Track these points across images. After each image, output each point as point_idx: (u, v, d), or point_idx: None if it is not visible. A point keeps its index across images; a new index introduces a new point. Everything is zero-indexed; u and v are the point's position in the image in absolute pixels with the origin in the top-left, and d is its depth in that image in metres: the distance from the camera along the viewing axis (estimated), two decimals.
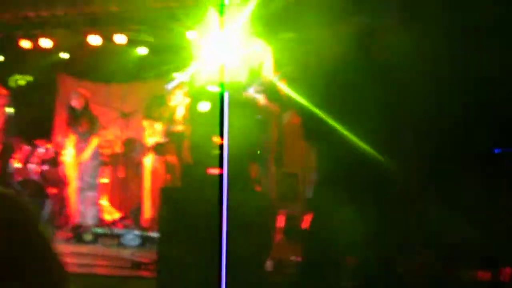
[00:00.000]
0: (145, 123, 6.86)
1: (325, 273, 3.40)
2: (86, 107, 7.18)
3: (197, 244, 3.69)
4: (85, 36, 8.97)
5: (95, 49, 9.02)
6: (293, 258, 4.99)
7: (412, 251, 3.68)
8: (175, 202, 3.73)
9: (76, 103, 7.15)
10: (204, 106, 3.80)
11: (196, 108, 3.78)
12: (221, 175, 3.69)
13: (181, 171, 3.91)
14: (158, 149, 6.70)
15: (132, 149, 8.55)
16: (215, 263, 3.57)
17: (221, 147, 3.82)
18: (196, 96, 3.87)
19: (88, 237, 5.97)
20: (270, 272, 4.40)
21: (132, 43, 8.87)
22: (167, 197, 3.84)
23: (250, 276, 3.85)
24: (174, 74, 6.18)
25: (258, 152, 4.77)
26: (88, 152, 7.07)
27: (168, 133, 6.59)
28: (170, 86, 5.93)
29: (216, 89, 4.36)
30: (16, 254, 1.82)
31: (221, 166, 3.65)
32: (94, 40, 8.88)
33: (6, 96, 6.70)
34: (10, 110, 6.63)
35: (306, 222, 5.56)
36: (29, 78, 6.84)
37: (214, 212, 3.64)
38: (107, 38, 8.94)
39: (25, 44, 9.14)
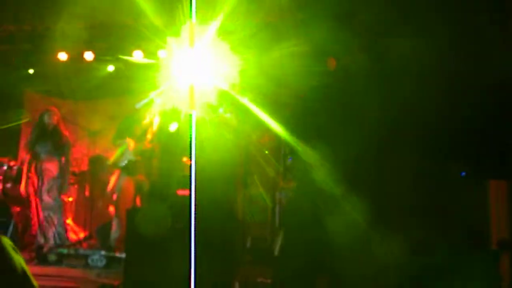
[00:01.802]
0: (115, 141, 6.77)
1: None
2: (57, 125, 7.07)
3: (164, 266, 3.63)
4: (53, 53, 8.87)
5: (62, 65, 8.93)
6: (260, 279, 4.96)
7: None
8: (142, 223, 3.68)
9: (48, 120, 7.02)
10: (174, 126, 3.76)
11: (166, 128, 3.74)
12: (190, 196, 3.66)
13: (150, 191, 3.85)
14: (127, 168, 6.61)
15: (99, 168, 8.43)
16: (183, 285, 3.53)
17: (190, 167, 3.79)
18: (166, 116, 3.83)
19: (52, 257, 5.84)
20: None
21: (101, 60, 8.80)
22: (133, 218, 3.78)
23: None
24: (144, 93, 6.13)
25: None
26: (58, 175, 6.94)
27: (138, 152, 6.51)
28: (139, 104, 5.87)
29: (185, 109, 4.33)
30: None
31: (190, 187, 3.62)
32: (62, 56, 8.78)
33: None
34: None
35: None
36: None
37: (182, 233, 3.60)
38: (75, 55, 8.85)
39: None
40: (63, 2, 7.10)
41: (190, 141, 3.82)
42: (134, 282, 3.73)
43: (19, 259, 1.93)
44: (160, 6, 6.90)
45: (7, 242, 1.92)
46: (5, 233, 4.47)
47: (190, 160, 3.99)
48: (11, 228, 4.49)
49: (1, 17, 7.38)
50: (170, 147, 3.79)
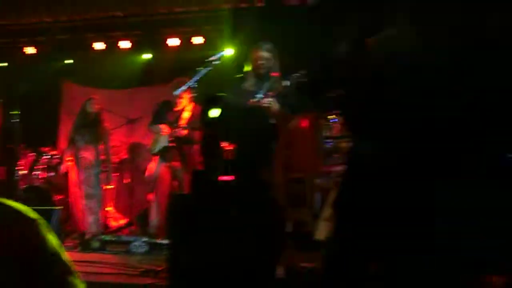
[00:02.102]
0: (152, 128, 6.80)
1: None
2: (98, 114, 7.13)
3: (207, 251, 3.63)
4: (90, 42, 8.97)
5: (99, 54, 9.02)
6: (304, 264, 4.93)
7: None
8: (184, 209, 3.68)
9: (90, 108, 7.09)
10: (214, 112, 3.74)
11: (206, 114, 3.72)
12: (231, 181, 3.65)
13: (191, 177, 3.85)
14: (162, 154, 6.63)
15: (137, 155, 8.51)
16: (227, 270, 3.52)
17: (231, 153, 3.78)
18: (205, 101, 3.81)
19: (95, 244, 5.91)
20: (282, 279, 4.33)
21: (137, 48, 8.86)
22: (176, 203, 3.79)
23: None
24: (181, 79, 6.12)
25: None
26: (97, 164, 7.03)
27: (175, 138, 6.52)
28: (177, 91, 5.85)
29: (224, 94, 4.30)
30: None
31: (232, 172, 3.61)
32: (99, 45, 8.88)
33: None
34: (15, 117, 6.59)
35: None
36: (34, 84, 6.78)
37: (224, 218, 3.60)
38: (112, 44, 8.94)
39: (30, 50, 9.14)
40: None
41: (231, 126, 3.81)
42: (177, 268, 3.72)
43: (52, 239, 1.93)
44: None
45: (41, 222, 1.92)
46: (49, 221, 4.54)
47: (232, 145, 3.98)
48: (56, 216, 4.56)
49: (39, 10, 7.45)
50: (211, 132, 3.76)
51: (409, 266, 2.88)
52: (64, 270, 1.96)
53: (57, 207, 5.04)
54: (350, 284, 3.10)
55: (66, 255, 1.96)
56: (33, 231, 1.87)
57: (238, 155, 3.78)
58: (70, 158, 7.21)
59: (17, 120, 6.53)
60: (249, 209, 3.60)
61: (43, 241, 1.88)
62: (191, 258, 3.66)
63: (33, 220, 1.89)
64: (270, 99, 5.11)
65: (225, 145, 4.05)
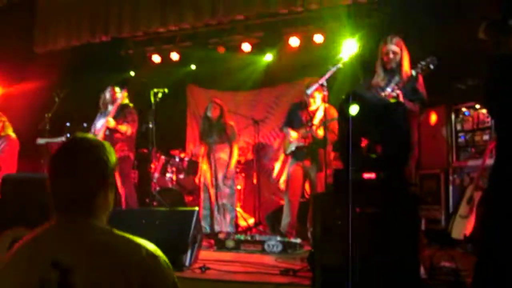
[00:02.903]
0: (285, 131, 6.85)
1: None
2: (221, 116, 7.31)
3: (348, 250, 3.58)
4: (212, 47, 9.23)
5: (221, 58, 9.25)
6: (443, 263, 4.75)
7: None
8: (328, 208, 3.66)
9: (211, 113, 7.30)
10: (353, 108, 3.68)
11: (346, 110, 3.67)
12: (375, 179, 3.58)
13: (333, 176, 3.82)
14: (294, 154, 6.66)
15: (263, 155, 8.63)
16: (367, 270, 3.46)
17: (376, 150, 3.71)
18: (344, 98, 3.77)
19: (230, 243, 6.03)
20: (425, 279, 4.19)
21: (258, 49, 8.99)
22: (320, 203, 3.78)
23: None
24: (312, 78, 6.13)
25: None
26: (233, 162, 7.19)
27: (312, 139, 6.54)
28: (310, 90, 5.86)
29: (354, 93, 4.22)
30: None
31: (376, 169, 3.54)
32: (220, 49, 9.10)
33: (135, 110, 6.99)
34: (150, 123, 6.90)
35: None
36: (165, 90, 7.05)
37: (370, 218, 3.54)
38: (233, 47, 9.14)
39: (156, 58, 9.56)
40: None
41: (371, 123, 3.74)
42: (322, 267, 3.71)
43: (171, 274, 1.97)
44: None
45: (162, 257, 1.95)
46: (190, 221, 4.70)
47: (372, 142, 3.91)
48: (196, 215, 4.70)
49: (166, 19, 7.76)
50: (348, 130, 3.71)
51: None
52: None
53: (195, 207, 5.18)
54: None
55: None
56: (156, 265, 1.91)
57: (380, 152, 3.70)
58: (200, 160, 7.45)
59: (151, 125, 6.83)
60: (394, 207, 3.52)
61: (164, 275, 1.91)
62: (333, 257, 3.63)
63: (155, 256, 1.93)
64: (398, 92, 5.01)
65: (365, 141, 3.99)
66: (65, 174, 1.95)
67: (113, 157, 2.02)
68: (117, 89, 6.96)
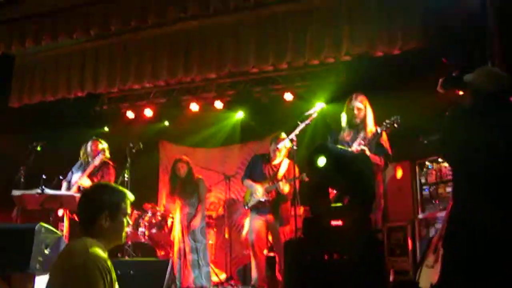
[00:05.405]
0: (245, 183, 7.00)
1: None
2: (189, 173, 7.43)
3: None
4: (185, 103, 9.44)
5: (194, 115, 9.46)
6: None
7: None
8: (298, 255, 3.80)
9: (179, 171, 7.42)
10: (321, 160, 3.90)
11: (314, 162, 3.89)
12: (342, 226, 3.76)
13: (303, 224, 3.98)
14: (258, 208, 6.78)
15: (234, 211, 8.75)
16: None
17: (343, 201, 3.90)
18: (312, 150, 3.99)
19: None
20: None
21: (229, 107, 9.23)
22: (291, 249, 3.92)
23: None
24: (278, 134, 6.38)
25: None
26: (198, 219, 7.25)
27: (276, 193, 6.70)
28: (280, 145, 6.08)
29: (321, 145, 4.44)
30: None
31: (343, 217, 3.73)
32: (194, 107, 9.32)
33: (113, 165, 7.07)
34: (125, 176, 6.99)
35: None
36: (140, 145, 7.20)
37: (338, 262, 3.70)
38: (206, 105, 9.36)
39: (130, 114, 9.73)
40: (194, 57, 7.62)
41: (338, 174, 3.94)
42: None
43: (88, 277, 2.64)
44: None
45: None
46: (164, 271, 4.78)
47: (338, 191, 4.11)
48: (170, 266, 4.79)
49: (140, 77, 7.95)
50: (319, 180, 3.91)
51: None
52: None
53: (168, 258, 5.27)
54: None
55: None
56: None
57: (347, 201, 3.90)
58: (172, 215, 7.52)
59: (127, 179, 6.92)
60: (360, 251, 3.68)
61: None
62: None
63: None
64: (364, 147, 5.26)
65: (332, 193, 4.19)
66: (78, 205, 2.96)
67: (112, 197, 2.90)
68: (100, 144, 7.03)
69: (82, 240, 2.79)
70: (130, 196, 2.98)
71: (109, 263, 2.73)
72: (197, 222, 7.22)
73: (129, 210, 2.96)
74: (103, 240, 2.83)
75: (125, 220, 2.92)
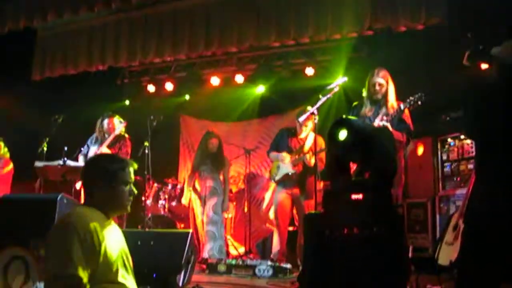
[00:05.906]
0: (272, 156, 6.99)
1: None
2: (220, 148, 7.46)
3: (340, 270, 3.72)
4: (206, 77, 9.44)
5: (214, 89, 9.45)
6: (430, 286, 4.89)
7: None
8: (317, 229, 3.80)
9: (212, 145, 7.43)
10: (342, 134, 3.88)
11: (335, 136, 3.87)
12: (363, 200, 3.74)
13: (323, 197, 3.97)
14: (285, 182, 6.78)
15: (254, 185, 8.77)
16: None
17: (364, 175, 3.87)
18: (333, 124, 3.96)
19: (222, 268, 6.15)
20: None
21: (250, 81, 9.20)
22: (310, 222, 3.92)
23: None
24: (304, 107, 6.35)
25: None
26: (221, 193, 7.33)
27: (303, 166, 6.69)
28: (302, 118, 6.05)
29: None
30: None
31: (363, 191, 3.70)
32: (215, 81, 9.31)
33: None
34: (145, 149, 7.01)
35: None
36: (161, 118, 7.21)
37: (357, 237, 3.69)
38: (226, 79, 9.35)
39: (151, 88, 9.76)
40: (215, 31, 7.59)
41: (359, 147, 3.91)
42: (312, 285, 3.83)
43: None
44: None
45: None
46: (185, 242, 4.82)
47: (359, 165, 4.08)
48: (191, 237, 4.82)
49: (161, 50, 7.95)
50: (340, 153, 3.89)
51: None
52: None
53: (189, 230, 5.34)
54: None
55: None
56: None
57: (367, 177, 3.87)
58: (190, 188, 7.56)
59: (147, 152, 6.94)
60: (380, 226, 3.66)
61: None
62: (323, 277, 3.76)
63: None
64: (386, 123, 5.21)
65: (353, 167, 4.16)
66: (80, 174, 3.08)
67: (109, 165, 2.93)
68: (115, 120, 7.00)
69: (78, 207, 2.92)
70: (132, 165, 3.01)
71: (96, 225, 2.73)
72: (220, 196, 7.28)
73: (131, 179, 2.97)
74: (103, 208, 2.89)
75: (126, 188, 2.93)
